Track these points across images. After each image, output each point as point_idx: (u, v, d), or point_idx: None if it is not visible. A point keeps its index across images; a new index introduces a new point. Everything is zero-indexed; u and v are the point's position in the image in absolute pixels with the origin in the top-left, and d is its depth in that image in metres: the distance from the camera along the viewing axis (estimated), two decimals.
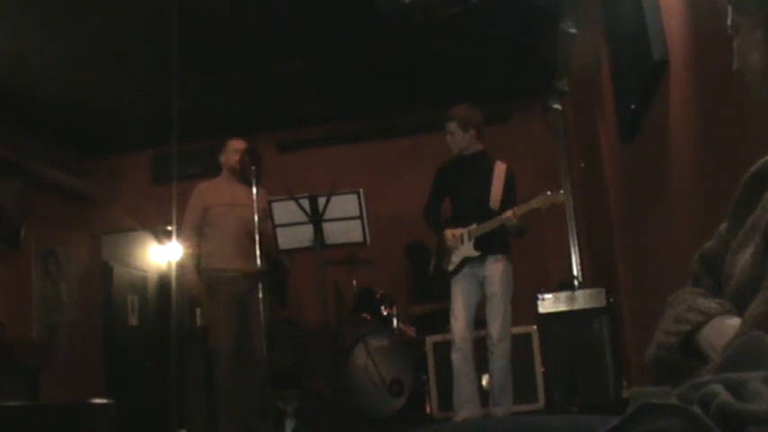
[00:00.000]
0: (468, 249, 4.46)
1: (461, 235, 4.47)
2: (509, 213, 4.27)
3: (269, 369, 4.73)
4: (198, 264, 4.98)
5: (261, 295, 4.65)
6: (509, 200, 4.48)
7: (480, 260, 4.44)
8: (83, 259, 7.35)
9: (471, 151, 4.57)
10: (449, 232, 4.49)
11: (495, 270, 4.44)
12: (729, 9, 1.21)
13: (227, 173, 5.04)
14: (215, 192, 5.00)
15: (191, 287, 4.94)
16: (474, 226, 4.45)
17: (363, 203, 4.72)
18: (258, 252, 4.69)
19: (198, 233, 4.99)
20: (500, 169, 4.55)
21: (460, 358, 4.37)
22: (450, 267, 4.49)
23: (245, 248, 4.83)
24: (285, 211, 4.80)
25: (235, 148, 4.97)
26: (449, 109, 4.60)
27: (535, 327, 5.09)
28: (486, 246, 4.43)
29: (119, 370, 7.36)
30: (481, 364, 4.53)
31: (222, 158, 5.06)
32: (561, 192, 4.43)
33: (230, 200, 4.93)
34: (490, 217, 4.42)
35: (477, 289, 4.49)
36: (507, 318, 4.41)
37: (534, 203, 4.29)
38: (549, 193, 4.33)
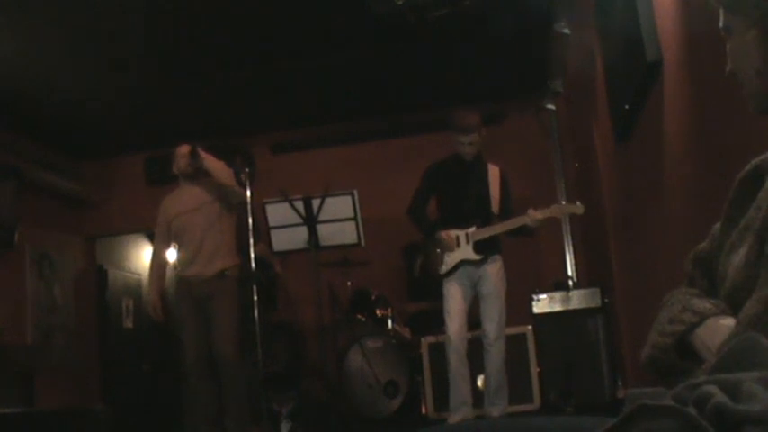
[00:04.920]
0: (466, 252, 4.43)
1: (457, 237, 4.46)
2: (537, 214, 4.29)
3: (263, 371, 4.71)
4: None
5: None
6: (506, 203, 4.49)
7: (478, 262, 4.44)
8: (77, 262, 7.33)
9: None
10: (445, 233, 4.47)
11: (491, 270, 4.44)
12: (721, 11, 1.22)
13: (182, 180, 5.04)
14: (176, 202, 5.02)
15: (148, 307, 5.03)
16: (473, 229, 4.43)
17: (358, 205, 4.72)
18: (252, 251, 4.71)
19: (166, 247, 5.10)
20: (494, 173, 4.55)
21: (456, 359, 4.36)
22: (444, 269, 4.47)
23: (211, 250, 4.85)
24: (279, 212, 4.81)
25: (182, 154, 4.96)
26: (451, 115, 4.53)
27: (530, 327, 5.10)
28: (486, 249, 4.43)
29: (114, 373, 7.34)
30: (476, 365, 4.53)
31: (174, 169, 5.05)
32: (578, 203, 4.45)
33: (192, 204, 4.93)
34: (491, 220, 4.43)
35: (471, 290, 4.48)
36: (503, 317, 4.41)
37: (549, 212, 4.32)
38: (563, 202, 4.33)
